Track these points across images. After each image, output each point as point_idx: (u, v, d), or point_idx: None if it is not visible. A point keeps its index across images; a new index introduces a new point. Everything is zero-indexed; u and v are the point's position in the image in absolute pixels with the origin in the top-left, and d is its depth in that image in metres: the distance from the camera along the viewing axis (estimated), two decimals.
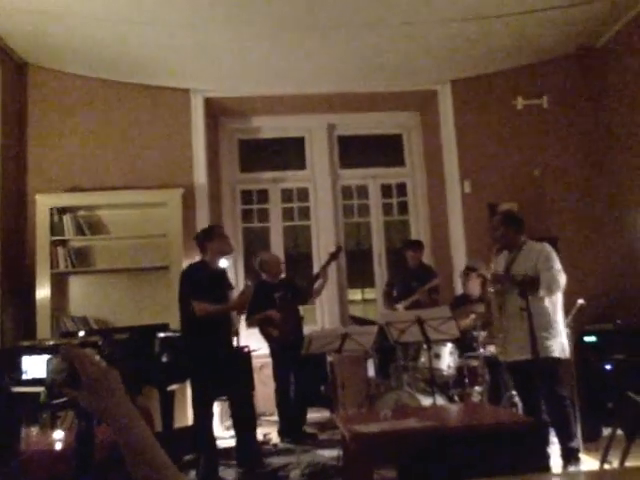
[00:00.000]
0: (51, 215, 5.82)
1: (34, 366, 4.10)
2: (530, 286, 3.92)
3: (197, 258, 5.89)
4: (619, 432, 3.62)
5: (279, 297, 5.56)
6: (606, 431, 4.52)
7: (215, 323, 4.32)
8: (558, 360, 4.03)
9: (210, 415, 4.36)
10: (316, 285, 5.82)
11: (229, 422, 5.27)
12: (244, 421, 4.45)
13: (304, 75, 6.44)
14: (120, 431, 1.00)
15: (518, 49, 6.23)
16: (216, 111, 6.92)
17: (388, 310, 5.96)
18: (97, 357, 1.09)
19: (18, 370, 4.09)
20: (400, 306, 5.73)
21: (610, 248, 6.26)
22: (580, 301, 4.48)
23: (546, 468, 3.01)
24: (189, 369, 4.42)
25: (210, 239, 4.53)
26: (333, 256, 5.93)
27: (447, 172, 6.67)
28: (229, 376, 4.35)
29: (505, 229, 4.18)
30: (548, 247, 4.19)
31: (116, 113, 6.34)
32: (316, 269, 7.02)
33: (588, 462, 4.11)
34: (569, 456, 3.89)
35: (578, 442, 4.06)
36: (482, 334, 4.93)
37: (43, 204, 5.83)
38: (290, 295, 5.60)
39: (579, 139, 6.55)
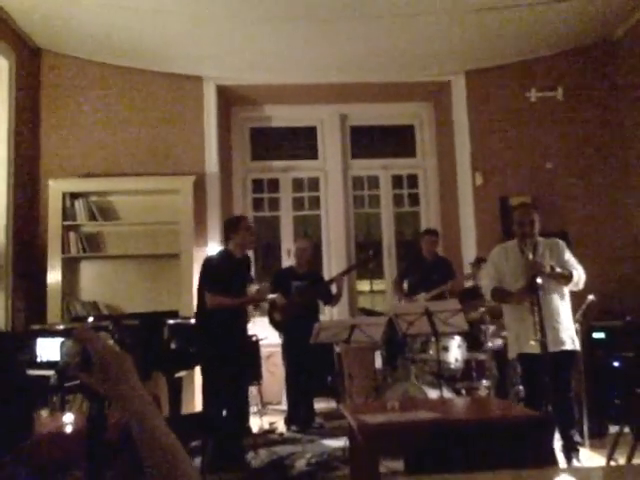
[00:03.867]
0: (63, 200, 5.86)
1: (47, 349, 4.14)
2: (565, 280, 3.97)
3: (208, 246, 5.95)
4: (626, 430, 3.62)
5: (297, 286, 5.57)
6: (613, 428, 4.52)
7: (231, 313, 4.35)
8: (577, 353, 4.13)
9: (220, 403, 4.38)
10: (334, 290, 5.69)
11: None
12: (236, 413, 4.47)
13: (317, 65, 6.42)
14: (132, 415, 1.01)
15: (533, 41, 6.18)
16: (228, 99, 6.92)
17: (400, 301, 5.93)
18: (110, 341, 1.09)
19: (32, 353, 4.13)
20: (421, 297, 5.67)
21: (621, 244, 6.23)
22: (590, 297, 4.46)
23: (553, 462, 3.01)
24: (200, 356, 4.45)
25: (236, 230, 4.55)
26: (362, 263, 5.90)
27: (459, 164, 6.64)
28: (239, 365, 4.38)
29: (538, 219, 4.12)
30: (562, 242, 4.21)
31: (129, 99, 6.35)
32: (325, 260, 7.04)
33: (594, 459, 4.10)
34: (571, 449, 3.88)
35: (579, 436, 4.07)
36: (491, 327, 4.93)
37: (56, 189, 5.86)
38: (309, 287, 5.58)
39: (593, 132, 6.49)
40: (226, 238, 4.64)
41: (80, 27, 5.63)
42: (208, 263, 4.59)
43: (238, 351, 4.39)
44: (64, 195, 5.87)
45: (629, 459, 2.93)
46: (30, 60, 6.11)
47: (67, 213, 5.87)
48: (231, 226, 4.61)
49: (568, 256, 4.10)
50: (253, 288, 4.75)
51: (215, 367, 4.36)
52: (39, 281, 5.70)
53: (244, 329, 4.61)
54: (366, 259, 5.95)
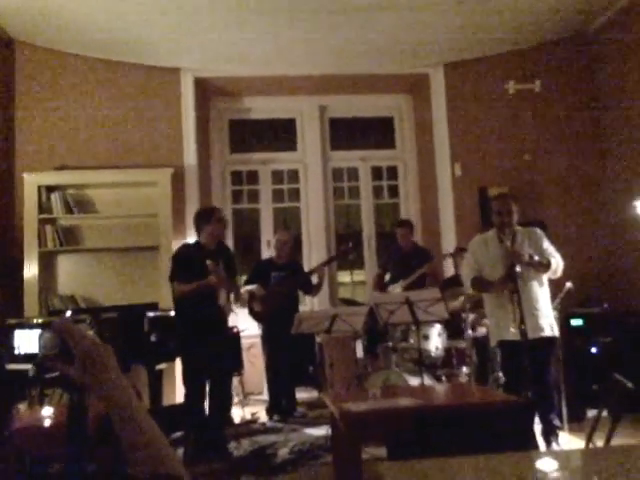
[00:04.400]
0: (39, 193, 5.78)
1: (25, 342, 4.10)
2: (544, 268, 4.02)
3: (187, 238, 5.92)
4: (604, 414, 3.68)
5: (275, 276, 5.56)
6: (590, 413, 4.59)
7: (196, 302, 4.34)
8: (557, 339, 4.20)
9: (200, 393, 4.38)
10: (315, 280, 5.71)
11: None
12: (217, 403, 4.46)
13: (296, 56, 6.39)
14: (113, 405, 1.00)
15: (511, 33, 6.21)
16: (206, 91, 6.87)
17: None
18: (90, 332, 1.08)
19: (10, 346, 4.08)
20: (398, 285, 5.70)
21: (598, 233, 6.32)
22: (568, 284, 4.53)
23: (534, 446, 3.05)
24: (178, 347, 4.45)
25: (207, 222, 4.53)
26: (342, 254, 5.91)
27: (438, 155, 6.67)
28: (215, 355, 4.36)
29: (517, 209, 4.17)
30: (540, 231, 4.27)
31: (106, 91, 6.27)
32: (305, 251, 7.04)
33: (573, 442, 4.17)
34: (550, 433, 3.95)
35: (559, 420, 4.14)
36: (471, 316, 4.97)
37: (31, 182, 5.78)
38: (288, 277, 5.58)
39: (570, 124, 6.56)
40: (197, 230, 4.61)
41: (55, 18, 5.53)
42: (175, 254, 4.65)
43: (211, 340, 4.35)
44: (40, 188, 5.79)
45: (607, 441, 2.97)
46: (3, 52, 6.00)
47: (43, 206, 5.79)
48: (202, 218, 4.59)
49: (546, 245, 4.16)
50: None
51: (190, 357, 4.36)
52: (15, 275, 5.62)
53: (214, 319, 4.47)
54: (346, 250, 5.95)
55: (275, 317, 5.35)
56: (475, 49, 6.49)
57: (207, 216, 4.57)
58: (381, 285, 6.00)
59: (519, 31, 6.19)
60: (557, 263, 4.06)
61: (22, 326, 4.33)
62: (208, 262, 4.30)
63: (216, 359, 4.37)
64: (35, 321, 4.63)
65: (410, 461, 1.85)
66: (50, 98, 6.18)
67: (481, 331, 4.97)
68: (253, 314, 5.55)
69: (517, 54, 6.61)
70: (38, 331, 4.06)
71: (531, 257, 3.98)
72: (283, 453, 4.26)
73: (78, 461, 1.09)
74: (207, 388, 4.44)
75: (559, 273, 4.11)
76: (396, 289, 5.65)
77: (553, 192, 6.45)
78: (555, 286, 4.38)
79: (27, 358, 3.95)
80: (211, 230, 4.52)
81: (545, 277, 4.13)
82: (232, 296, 4.73)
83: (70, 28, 5.70)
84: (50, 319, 4.50)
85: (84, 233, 6.02)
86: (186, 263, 4.42)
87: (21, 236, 5.72)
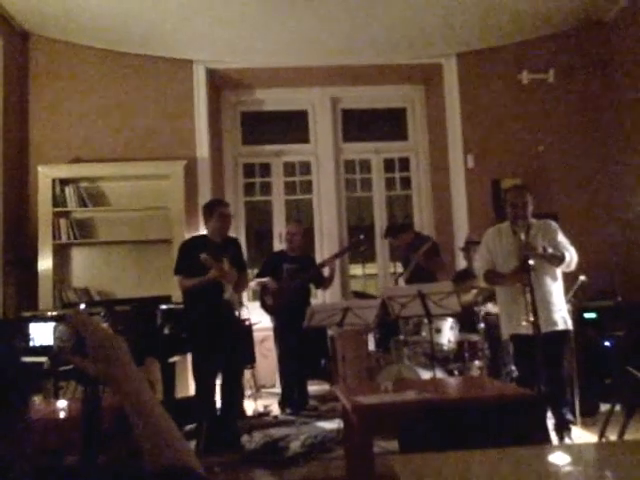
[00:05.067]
0: (53, 186, 5.82)
1: (40, 334, 4.14)
2: (558, 261, 3.97)
3: (201, 230, 5.93)
4: (617, 408, 3.66)
5: (287, 269, 5.57)
6: (603, 407, 4.57)
7: (201, 296, 4.35)
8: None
9: (210, 387, 4.40)
10: (326, 273, 5.71)
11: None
12: (229, 395, 4.48)
13: (308, 47, 6.37)
14: (127, 397, 1.00)
15: (525, 23, 6.15)
16: (219, 83, 6.87)
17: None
18: (104, 324, 1.09)
19: (25, 339, 4.12)
20: (401, 280, 5.69)
21: (612, 225, 6.25)
22: (582, 277, 4.50)
23: (546, 440, 3.04)
24: (188, 340, 4.47)
25: (210, 216, 4.54)
26: (353, 246, 5.87)
27: (450, 147, 6.64)
28: (226, 347, 4.38)
29: (532, 201, 4.13)
30: (555, 223, 4.23)
31: (119, 84, 6.29)
32: (317, 243, 7.04)
33: (585, 437, 4.15)
34: (563, 427, 3.93)
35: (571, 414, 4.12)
36: (483, 309, 4.95)
37: (45, 175, 5.82)
38: (300, 270, 5.58)
39: (584, 115, 6.49)
40: (205, 222, 4.66)
41: (69, 11, 5.56)
42: (180, 247, 4.65)
43: (219, 334, 4.37)
44: (54, 181, 5.83)
45: (620, 435, 2.96)
46: (18, 45, 6.03)
47: (57, 199, 5.83)
48: (206, 212, 4.62)
49: (561, 237, 4.11)
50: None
51: (199, 351, 4.38)
52: (30, 268, 5.67)
53: (220, 312, 4.47)
54: (358, 242, 5.93)
55: (287, 310, 5.36)
56: (488, 39, 6.43)
57: (209, 211, 4.59)
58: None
59: (533, 21, 6.13)
60: (571, 256, 4.02)
61: (37, 319, 4.38)
62: (202, 256, 4.27)
63: (226, 352, 4.39)
64: (49, 314, 4.68)
65: (422, 454, 1.85)
66: (64, 91, 6.21)
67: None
68: (265, 307, 5.57)
69: (531, 44, 6.54)
70: (53, 324, 4.09)
71: (545, 250, 3.93)
72: (295, 446, 4.28)
73: (92, 454, 1.10)
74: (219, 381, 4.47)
75: (573, 267, 4.07)
76: (401, 282, 5.66)
77: (566, 184, 6.40)
78: (568, 279, 4.35)
79: (42, 351, 3.99)
80: (213, 225, 4.54)
81: (559, 271, 4.10)
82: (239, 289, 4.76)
83: (84, 21, 5.73)
84: (64, 312, 4.54)
85: (98, 226, 6.06)
86: (190, 256, 4.42)
87: (35, 229, 5.76)
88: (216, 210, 4.58)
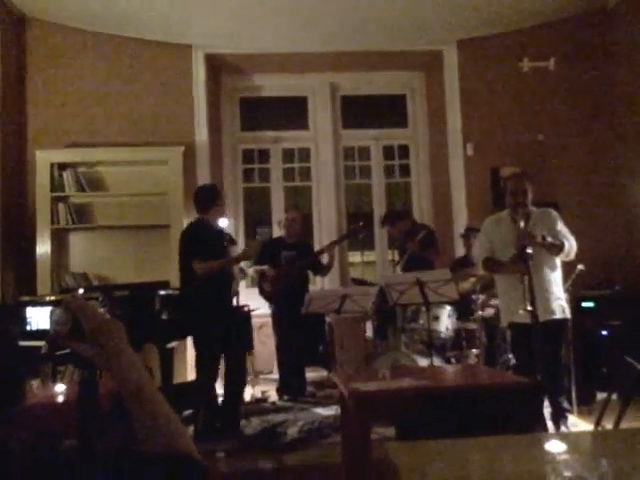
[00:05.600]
0: (51, 171, 5.80)
1: (37, 318, 4.14)
2: (557, 250, 3.94)
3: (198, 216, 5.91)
4: (613, 397, 3.67)
5: (285, 256, 5.56)
6: (600, 396, 4.59)
7: (215, 280, 4.33)
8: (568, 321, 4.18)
9: (213, 372, 4.40)
10: (325, 261, 5.70)
11: None
12: (233, 381, 4.49)
13: (307, 33, 6.33)
14: (125, 382, 1.00)
15: (525, 10, 6.11)
16: (217, 68, 6.82)
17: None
18: (101, 309, 1.09)
19: (23, 323, 4.13)
20: (397, 268, 5.68)
21: (611, 215, 6.25)
22: (580, 266, 4.49)
23: (542, 428, 3.06)
24: (190, 326, 4.45)
25: (216, 202, 4.51)
26: (352, 233, 5.86)
27: (450, 134, 6.61)
28: (228, 333, 4.39)
29: (531, 189, 4.10)
30: (555, 212, 4.21)
31: (117, 68, 6.25)
32: (316, 230, 7.03)
33: (582, 425, 4.17)
34: (559, 416, 3.94)
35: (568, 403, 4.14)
36: (481, 297, 4.96)
37: (43, 160, 5.79)
38: (298, 257, 5.57)
39: (585, 103, 6.46)
40: (205, 209, 4.52)
41: None
42: (189, 232, 4.51)
43: (227, 319, 4.39)
44: (52, 166, 5.81)
45: (616, 424, 2.98)
46: (15, 29, 5.98)
47: (55, 184, 5.81)
48: (212, 198, 4.55)
49: (560, 226, 4.09)
50: (239, 249, 4.70)
51: (207, 336, 4.37)
52: (28, 253, 5.66)
53: (230, 298, 4.55)
54: (357, 229, 5.91)
55: (285, 297, 5.36)
56: (489, 26, 6.39)
57: (216, 197, 4.56)
58: None
59: (534, 7, 6.08)
60: (570, 246, 4.00)
61: (34, 303, 4.38)
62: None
63: (231, 339, 4.40)
64: (47, 298, 4.68)
65: (418, 441, 1.85)
66: (62, 75, 6.17)
67: (488, 312, 4.95)
68: (263, 294, 5.57)
69: (531, 31, 6.49)
70: (50, 308, 4.09)
71: (544, 238, 3.92)
72: (292, 432, 4.30)
73: (89, 438, 1.09)
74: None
75: (572, 256, 4.05)
76: (398, 271, 5.64)
77: (566, 173, 6.38)
78: (567, 268, 4.34)
79: (39, 335, 3.99)
80: (219, 210, 4.53)
81: (558, 259, 4.09)
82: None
83: (82, 5, 5.68)
84: (62, 296, 4.53)
85: (96, 211, 6.04)
86: (205, 241, 4.39)
87: (34, 214, 5.75)
88: (222, 196, 4.65)
